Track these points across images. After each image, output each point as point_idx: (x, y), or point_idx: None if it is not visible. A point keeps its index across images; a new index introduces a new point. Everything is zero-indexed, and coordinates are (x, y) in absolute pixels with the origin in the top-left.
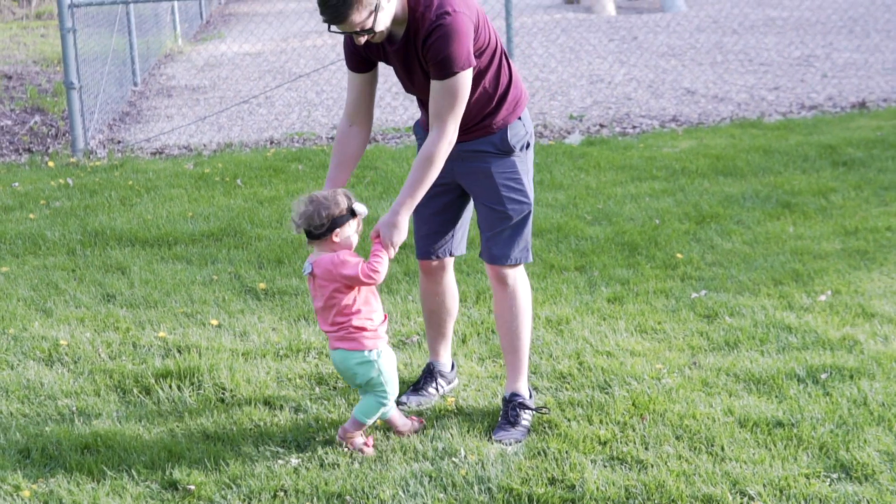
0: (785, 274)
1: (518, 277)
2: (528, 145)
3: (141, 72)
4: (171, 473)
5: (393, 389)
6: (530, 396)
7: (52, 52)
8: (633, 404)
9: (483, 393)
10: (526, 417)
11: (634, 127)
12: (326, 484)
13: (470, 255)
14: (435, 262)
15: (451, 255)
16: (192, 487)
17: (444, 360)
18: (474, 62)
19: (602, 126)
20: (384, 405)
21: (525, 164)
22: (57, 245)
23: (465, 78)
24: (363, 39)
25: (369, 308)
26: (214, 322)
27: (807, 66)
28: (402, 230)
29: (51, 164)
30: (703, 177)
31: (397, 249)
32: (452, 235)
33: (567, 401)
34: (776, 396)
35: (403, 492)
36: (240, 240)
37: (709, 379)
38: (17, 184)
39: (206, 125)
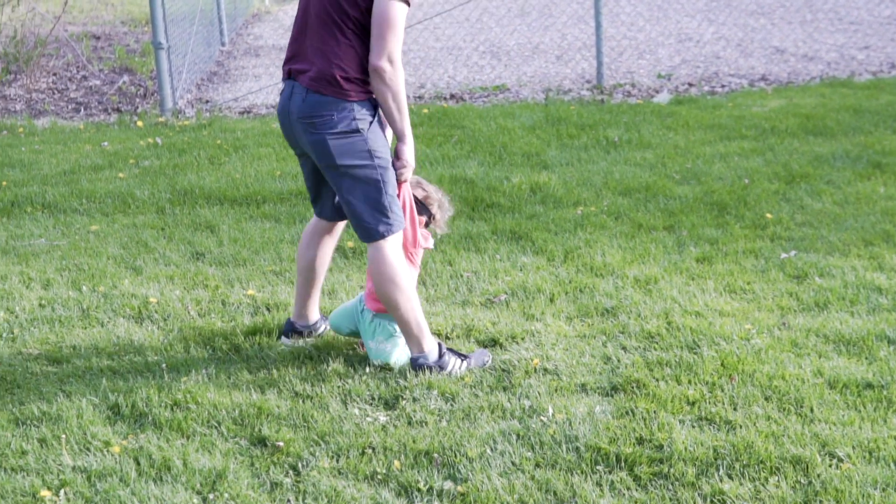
0: (875, 235)
1: None
2: None
3: (228, 32)
4: (259, 430)
5: None
6: None
7: (140, 13)
8: (722, 364)
9: (571, 352)
10: None
11: (723, 86)
12: (414, 441)
13: (558, 214)
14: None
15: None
16: (281, 444)
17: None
18: None
19: (691, 85)
20: None
21: None
22: (146, 204)
23: None
24: None
25: None
26: None
27: None
28: None
29: (139, 123)
30: (793, 136)
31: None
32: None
33: (655, 361)
34: (866, 358)
35: (491, 450)
36: None
37: (798, 340)
38: (106, 143)
39: None
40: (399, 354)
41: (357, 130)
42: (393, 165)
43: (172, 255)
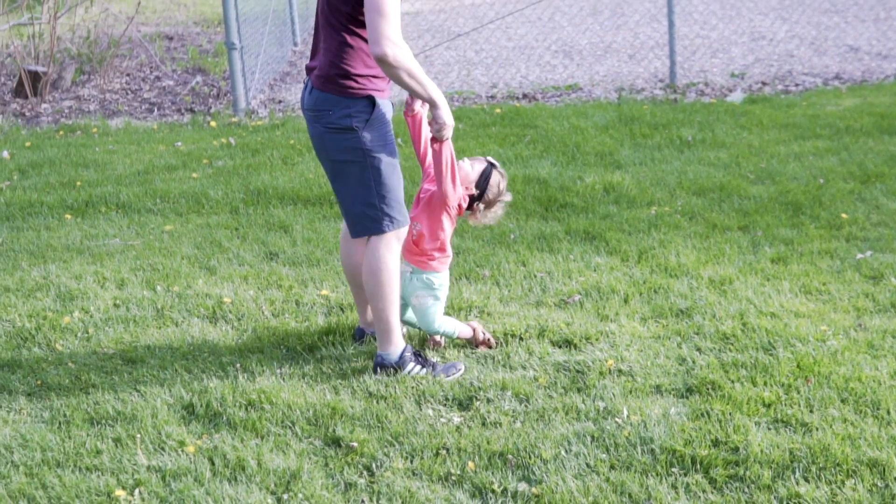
0: None
1: None
2: None
3: (301, 32)
4: (334, 430)
5: None
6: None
7: (213, 13)
8: (798, 366)
9: (645, 353)
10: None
11: (797, 85)
12: (488, 442)
13: (632, 214)
14: None
15: None
16: (355, 444)
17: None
18: None
19: (764, 84)
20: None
21: None
22: (220, 203)
23: None
24: None
25: None
26: None
27: None
28: None
29: (213, 123)
30: (868, 135)
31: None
32: None
33: (731, 362)
34: None
35: (565, 451)
36: None
37: (874, 341)
38: (179, 143)
39: None
40: (440, 311)
41: (351, 128)
42: (430, 126)
43: (246, 255)
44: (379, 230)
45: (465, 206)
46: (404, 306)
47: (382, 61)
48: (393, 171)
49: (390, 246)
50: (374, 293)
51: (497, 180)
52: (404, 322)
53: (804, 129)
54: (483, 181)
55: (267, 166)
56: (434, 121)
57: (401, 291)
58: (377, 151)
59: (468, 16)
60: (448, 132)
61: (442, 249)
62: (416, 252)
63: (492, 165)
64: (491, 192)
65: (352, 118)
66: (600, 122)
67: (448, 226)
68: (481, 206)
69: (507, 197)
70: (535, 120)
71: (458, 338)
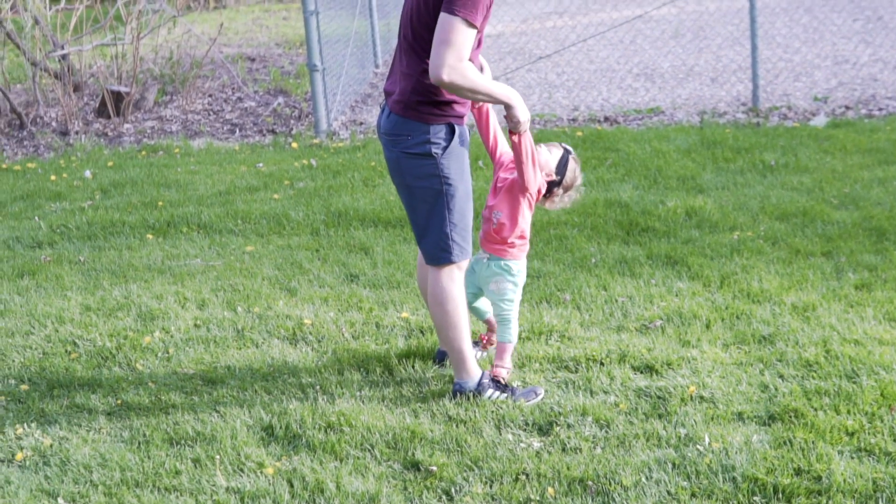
0: None
1: None
2: None
3: (382, 54)
4: (413, 454)
5: None
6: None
7: (294, 35)
8: (882, 395)
9: (727, 380)
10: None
11: (881, 109)
12: (568, 468)
13: (714, 239)
14: None
15: None
16: (434, 468)
17: None
18: None
19: (848, 108)
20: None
21: None
22: (301, 225)
23: None
24: None
25: None
26: None
27: None
28: None
29: (294, 145)
30: None
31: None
32: None
33: (814, 390)
34: None
35: (646, 478)
36: None
37: None
38: (261, 164)
39: None
40: (517, 300)
41: (430, 154)
42: (506, 118)
43: (327, 276)
44: (448, 260)
45: (543, 191)
46: (474, 294)
47: (444, 87)
48: (467, 200)
49: (453, 276)
50: (442, 324)
51: (574, 166)
52: (472, 310)
53: (888, 154)
54: (562, 167)
55: (348, 188)
56: (509, 119)
57: (477, 278)
58: (454, 179)
59: (550, 38)
60: (523, 127)
61: (522, 237)
62: (496, 241)
63: (567, 152)
64: (569, 178)
65: (431, 144)
66: (682, 146)
67: (528, 212)
68: (560, 190)
69: (581, 180)
70: (617, 143)
71: (506, 341)
